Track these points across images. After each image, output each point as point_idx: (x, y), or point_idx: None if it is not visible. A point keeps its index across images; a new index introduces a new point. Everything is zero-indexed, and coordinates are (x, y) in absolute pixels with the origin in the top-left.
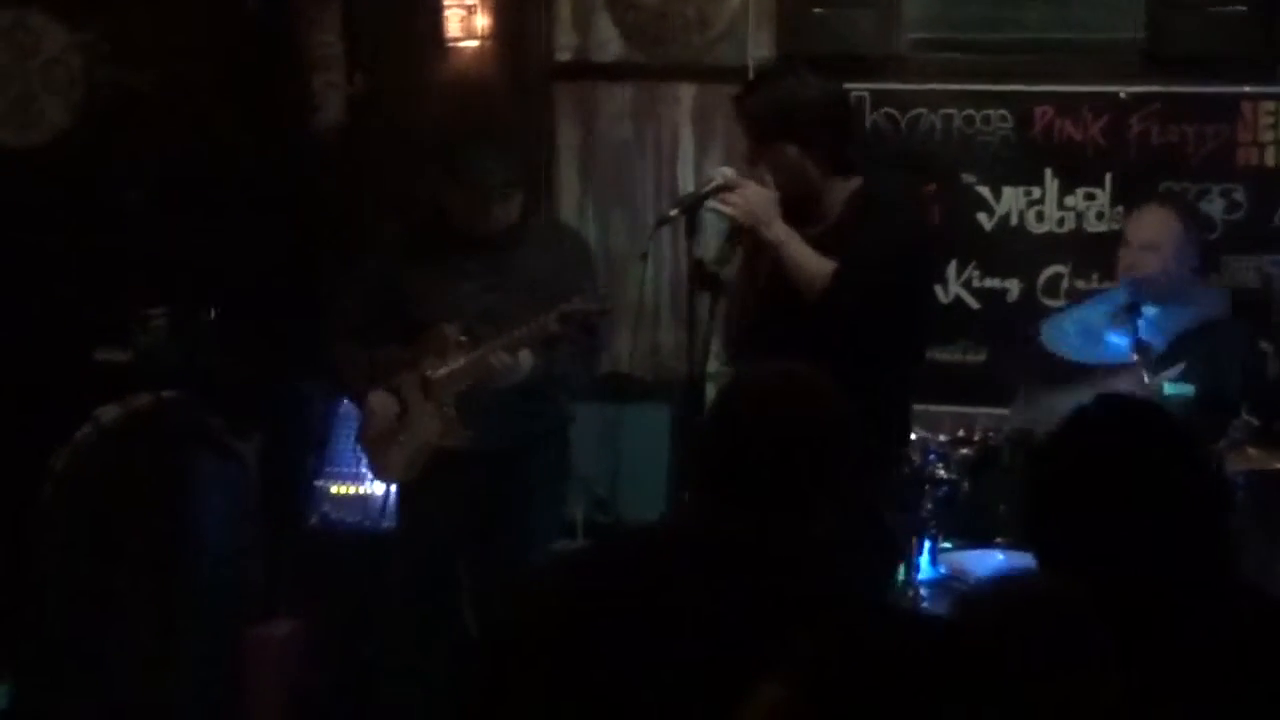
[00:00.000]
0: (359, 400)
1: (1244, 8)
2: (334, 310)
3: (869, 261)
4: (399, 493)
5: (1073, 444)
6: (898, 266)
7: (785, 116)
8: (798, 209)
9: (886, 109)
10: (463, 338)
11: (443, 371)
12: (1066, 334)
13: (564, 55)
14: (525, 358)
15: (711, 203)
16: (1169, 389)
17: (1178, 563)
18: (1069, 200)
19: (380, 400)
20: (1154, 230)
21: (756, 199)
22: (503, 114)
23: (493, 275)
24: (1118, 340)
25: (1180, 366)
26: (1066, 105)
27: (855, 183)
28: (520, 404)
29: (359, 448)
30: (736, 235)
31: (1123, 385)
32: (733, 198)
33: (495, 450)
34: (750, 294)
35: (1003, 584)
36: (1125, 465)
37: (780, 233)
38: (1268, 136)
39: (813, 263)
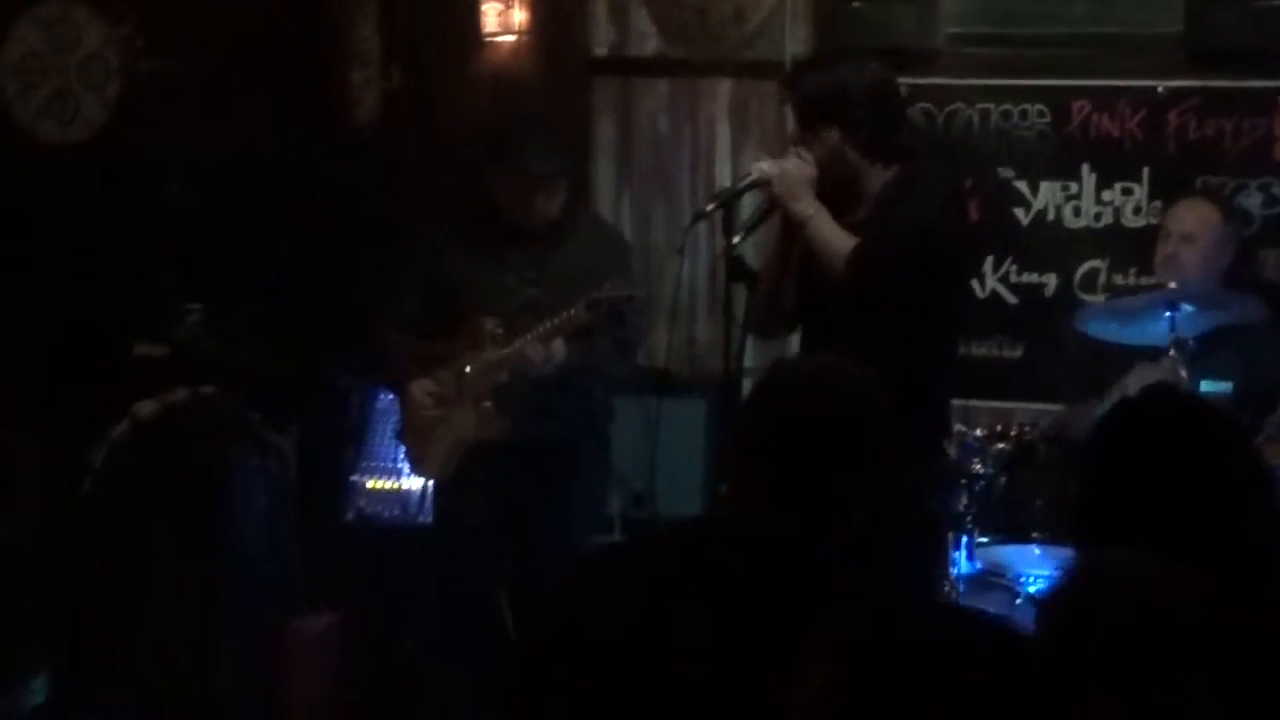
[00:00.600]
0: (400, 394)
1: None
2: (383, 301)
3: (892, 240)
4: (435, 488)
5: (1121, 435)
6: (921, 248)
7: (833, 101)
8: (836, 196)
9: (923, 104)
10: (500, 331)
11: (479, 365)
12: (1103, 319)
13: (601, 50)
14: (559, 348)
15: (761, 166)
16: (1205, 386)
17: (1227, 552)
18: (1106, 195)
19: (419, 394)
20: (1193, 222)
21: (793, 171)
22: (540, 109)
23: (535, 269)
24: (1155, 329)
25: (1217, 363)
26: (1104, 100)
27: (893, 171)
28: (559, 398)
29: (398, 442)
30: (766, 209)
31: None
32: (770, 168)
33: (533, 444)
34: (783, 273)
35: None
36: (1175, 455)
37: (809, 208)
38: None
39: (837, 239)
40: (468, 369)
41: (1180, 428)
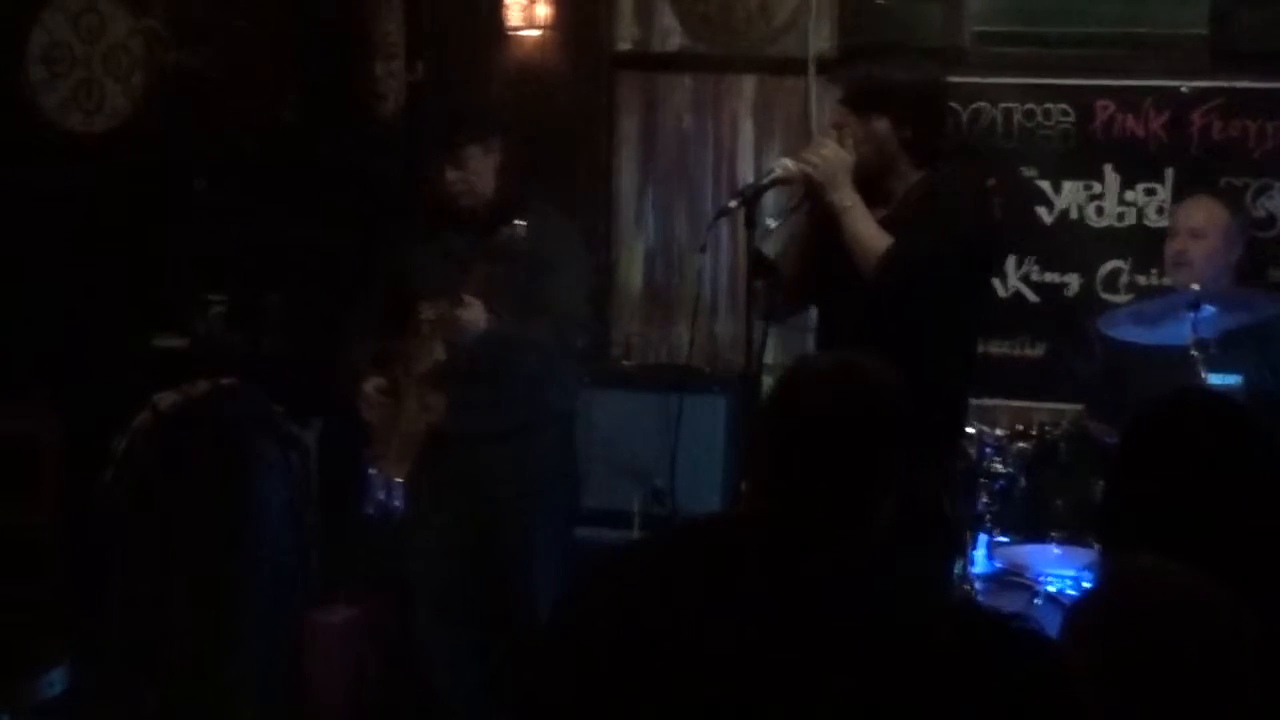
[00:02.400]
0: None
1: None
2: (352, 316)
3: (925, 245)
4: (403, 488)
5: (1149, 435)
6: (952, 256)
7: (889, 90)
8: (867, 190)
9: (948, 102)
10: (434, 317)
11: (414, 349)
12: (1126, 324)
13: (625, 45)
14: (477, 311)
15: (784, 163)
16: (1214, 379)
17: (1255, 556)
18: (1129, 195)
19: (369, 391)
20: (1201, 218)
21: (834, 158)
22: (563, 104)
23: (472, 251)
24: (1176, 330)
25: (1229, 358)
26: (1128, 100)
27: (924, 172)
28: (504, 387)
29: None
30: (795, 202)
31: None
32: (810, 154)
33: (485, 436)
34: (804, 263)
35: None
36: (1202, 457)
37: (847, 198)
38: None
39: (873, 235)
40: (410, 358)
41: (1207, 429)
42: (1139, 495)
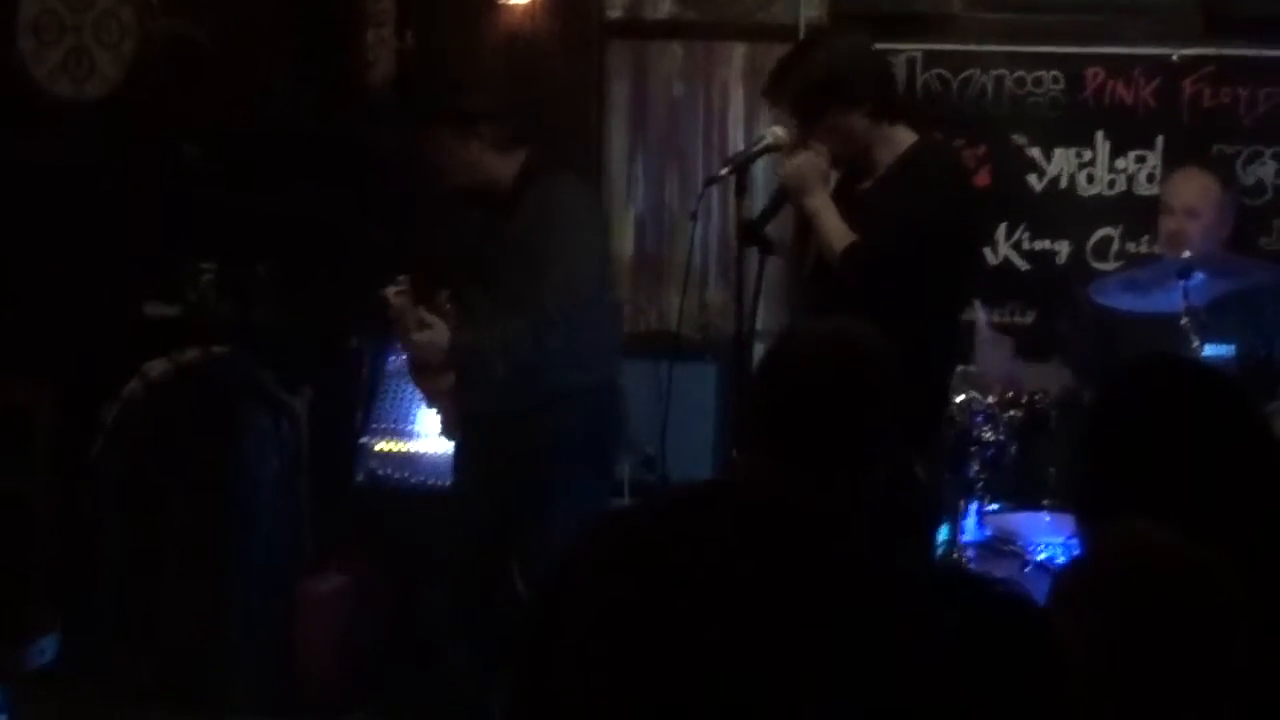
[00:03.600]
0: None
1: None
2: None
3: (885, 241)
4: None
5: (1123, 401)
6: (909, 246)
7: (817, 86)
8: (857, 164)
9: (938, 69)
10: (447, 305)
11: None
12: (1116, 290)
13: (615, 13)
14: (440, 331)
15: (774, 130)
16: (1209, 350)
17: (1233, 522)
18: (1119, 163)
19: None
20: (1195, 196)
21: (806, 166)
22: (554, 72)
23: (485, 238)
24: (1167, 298)
25: (1221, 326)
26: (1118, 67)
27: (907, 140)
28: (491, 382)
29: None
30: (782, 197)
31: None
32: (786, 165)
33: (500, 416)
34: (805, 253)
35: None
36: (1179, 422)
37: (816, 203)
38: None
39: (837, 234)
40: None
41: (1185, 394)
42: (1114, 463)
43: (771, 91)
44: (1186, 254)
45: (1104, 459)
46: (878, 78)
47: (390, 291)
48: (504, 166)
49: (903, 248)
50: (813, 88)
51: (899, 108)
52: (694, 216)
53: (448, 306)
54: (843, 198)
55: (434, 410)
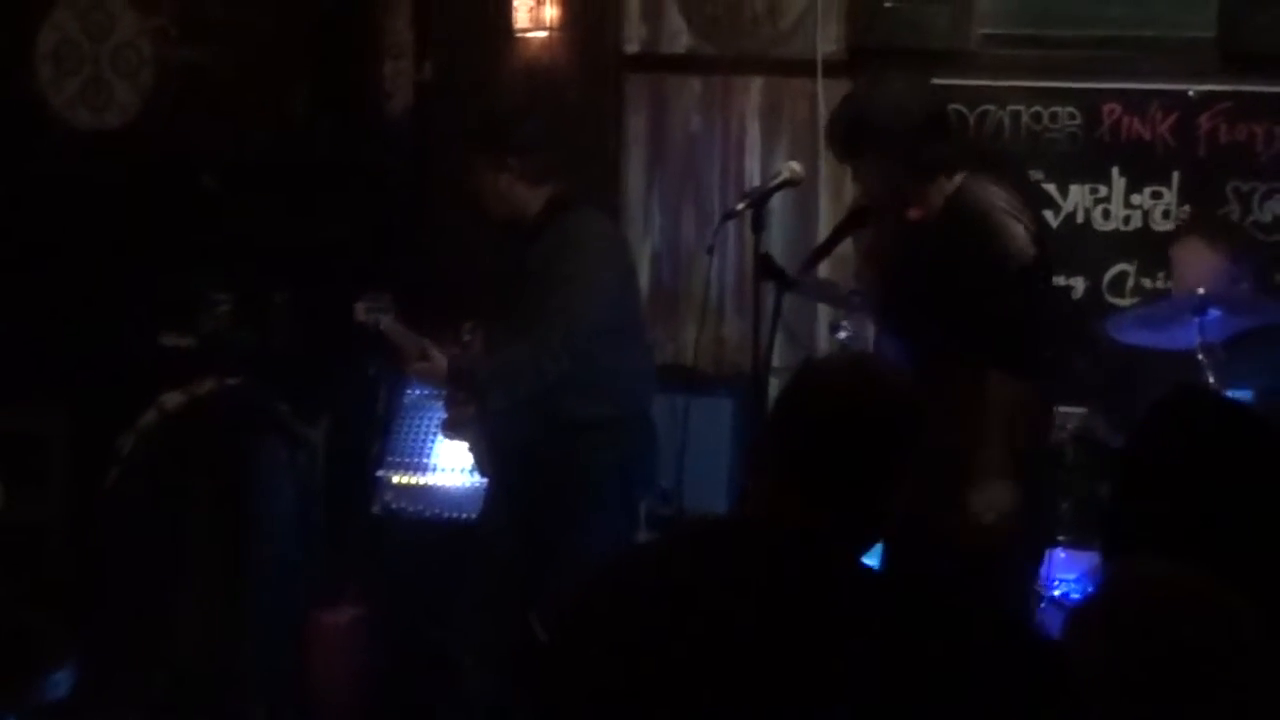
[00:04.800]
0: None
1: None
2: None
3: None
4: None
5: (1154, 435)
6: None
7: (859, 131)
8: (901, 200)
9: (954, 105)
10: (468, 338)
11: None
12: (1132, 326)
13: (633, 47)
14: (438, 364)
15: (791, 165)
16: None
17: (1262, 558)
18: (1135, 198)
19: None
20: (1197, 274)
21: None
22: (571, 104)
23: (512, 270)
24: (1183, 334)
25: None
26: (1135, 103)
27: (957, 181)
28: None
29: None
30: (841, 227)
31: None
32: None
33: (522, 445)
34: (876, 278)
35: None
36: (1210, 459)
37: None
38: None
39: None
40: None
41: (1214, 432)
42: (1145, 500)
43: (827, 129)
44: (1200, 290)
45: (1134, 496)
46: (917, 134)
47: (360, 307)
48: (532, 199)
49: (932, 291)
50: (845, 133)
51: (952, 162)
52: (711, 250)
53: (467, 338)
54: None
55: (468, 448)
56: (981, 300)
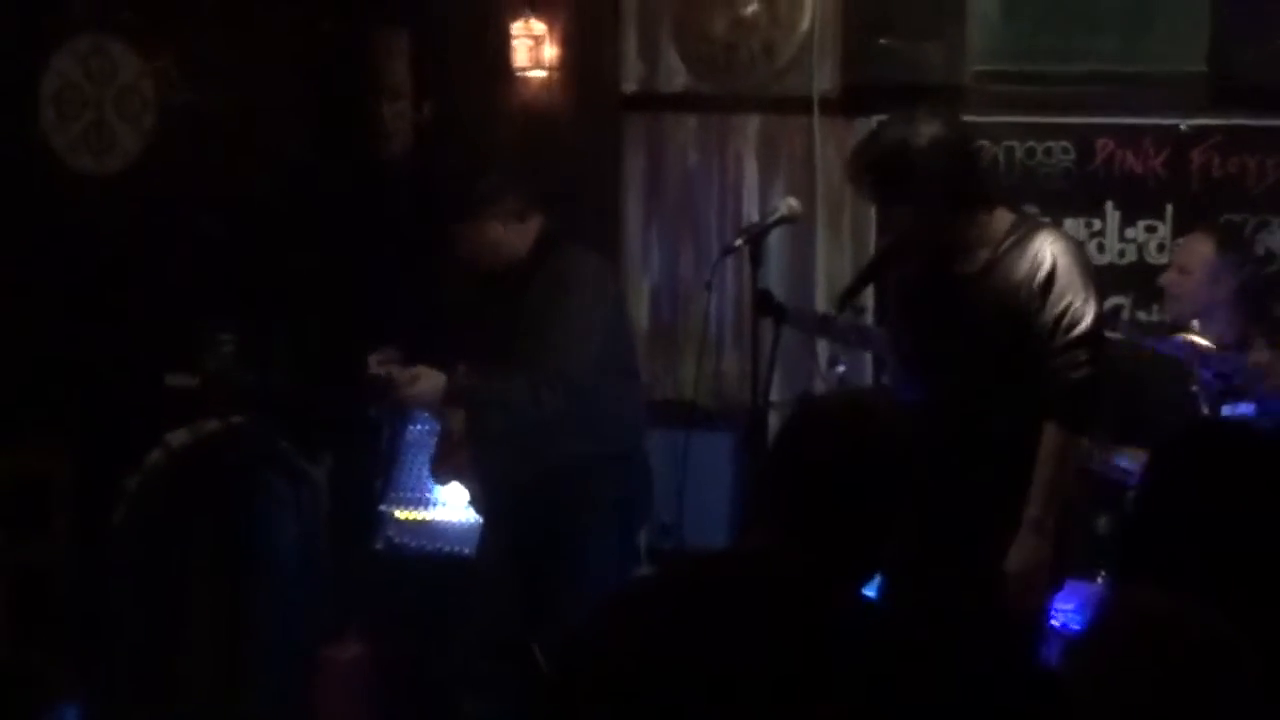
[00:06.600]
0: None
1: None
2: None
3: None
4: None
5: (1168, 466)
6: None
7: (894, 174)
8: (948, 248)
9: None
10: (463, 381)
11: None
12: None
13: (631, 86)
14: (426, 380)
15: (789, 202)
16: (1224, 408)
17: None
18: (1130, 232)
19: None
20: (1186, 255)
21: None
22: (570, 143)
23: (500, 314)
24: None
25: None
26: (1128, 137)
27: (1008, 220)
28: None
29: (438, 476)
30: (876, 267)
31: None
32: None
33: (518, 484)
34: (904, 330)
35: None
36: (1223, 490)
37: None
38: None
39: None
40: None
41: (1232, 462)
42: (1159, 527)
43: (853, 163)
44: (1195, 323)
45: (1145, 522)
46: (949, 176)
47: (373, 360)
48: (521, 237)
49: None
50: (877, 177)
51: (992, 198)
52: (709, 286)
53: (463, 383)
54: (931, 280)
55: (463, 486)
56: (1053, 359)
